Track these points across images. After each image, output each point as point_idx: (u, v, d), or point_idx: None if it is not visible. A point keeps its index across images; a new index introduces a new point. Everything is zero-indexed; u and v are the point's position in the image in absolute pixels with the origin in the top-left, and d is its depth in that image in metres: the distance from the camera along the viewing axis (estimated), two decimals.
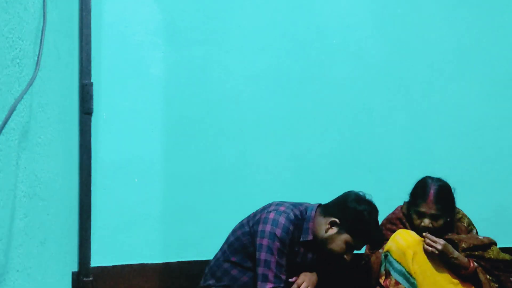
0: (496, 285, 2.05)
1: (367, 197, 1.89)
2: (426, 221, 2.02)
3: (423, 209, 2.03)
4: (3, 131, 0.97)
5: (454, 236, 2.07)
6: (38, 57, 1.25)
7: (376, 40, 2.52)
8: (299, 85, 2.42)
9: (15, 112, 1.08)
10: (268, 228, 1.79)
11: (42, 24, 1.32)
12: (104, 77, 2.18)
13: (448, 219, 2.09)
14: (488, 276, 2.04)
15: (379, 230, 1.91)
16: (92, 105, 2.15)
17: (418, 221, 2.04)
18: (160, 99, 2.25)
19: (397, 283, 1.94)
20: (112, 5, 2.19)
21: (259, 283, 1.78)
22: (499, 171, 2.65)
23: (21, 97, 1.07)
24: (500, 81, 2.67)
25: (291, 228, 1.80)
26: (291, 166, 2.42)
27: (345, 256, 1.82)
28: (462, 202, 2.54)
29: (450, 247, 1.97)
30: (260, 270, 1.78)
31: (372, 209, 1.85)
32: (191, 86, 2.29)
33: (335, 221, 1.81)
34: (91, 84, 2.15)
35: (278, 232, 1.78)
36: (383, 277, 1.98)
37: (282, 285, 1.78)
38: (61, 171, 1.76)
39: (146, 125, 2.23)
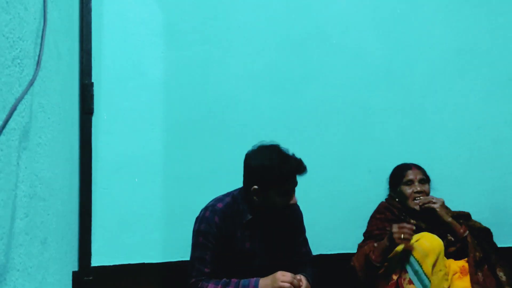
0: (481, 255, 2.11)
1: (263, 143, 1.84)
2: (418, 186, 2.22)
3: (411, 176, 2.24)
4: (4, 131, 0.98)
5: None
6: (38, 57, 1.25)
7: (376, 40, 2.52)
8: (299, 85, 2.42)
9: (15, 112, 1.08)
10: (195, 227, 1.85)
11: (42, 24, 1.33)
12: (105, 77, 2.18)
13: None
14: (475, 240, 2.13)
15: (289, 160, 1.77)
16: (93, 105, 2.16)
17: (409, 191, 2.22)
18: (160, 99, 2.25)
19: (410, 282, 1.94)
20: (113, 5, 2.19)
21: (187, 280, 1.83)
22: (499, 171, 2.65)
23: (21, 97, 1.07)
24: (500, 81, 2.67)
25: (216, 219, 1.81)
26: None
27: (290, 203, 1.79)
28: (462, 202, 2.55)
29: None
30: (188, 268, 1.83)
31: (270, 152, 1.78)
32: (191, 86, 2.29)
33: (255, 189, 1.79)
34: (92, 84, 2.15)
35: (202, 227, 1.81)
36: (397, 275, 1.98)
37: (203, 277, 1.78)
38: (62, 171, 1.76)
39: (146, 125, 2.24)
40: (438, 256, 1.94)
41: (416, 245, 1.95)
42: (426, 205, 2.15)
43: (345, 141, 2.47)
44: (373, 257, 2.03)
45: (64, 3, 1.86)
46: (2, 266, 1.02)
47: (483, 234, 2.23)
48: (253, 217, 1.85)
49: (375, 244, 2.09)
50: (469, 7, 2.64)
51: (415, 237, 1.98)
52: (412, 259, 1.95)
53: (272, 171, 1.74)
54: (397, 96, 2.54)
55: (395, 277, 1.97)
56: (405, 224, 2.01)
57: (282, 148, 1.82)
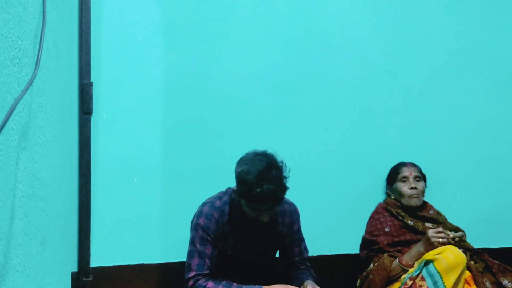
0: (484, 264, 2.15)
1: (257, 151, 1.78)
2: (413, 183, 2.27)
3: (406, 173, 2.30)
4: (3, 131, 0.97)
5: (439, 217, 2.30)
6: (37, 57, 1.25)
7: (376, 40, 2.52)
8: (299, 85, 2.42)
9: (14, 112, 1.08)
10: (193, 221, 1.86)
11: (41, 23, 1.32)
12: (104, 77, 2.18)
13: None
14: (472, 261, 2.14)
15: (263, 184, 1.65)
16: (92, 104, 2.15)
17: (405, 188, 2.27)
18: (160, 99, 2.25)
19: None
20: (112, 4, 2.19)
21: (185, 274, 1.81)
22: (499, 171, 2.65)
23: (20, 97, 1.07)
24: (500, 81, 2.67)
25: (215, 214, 1.83)
26: (290, 166, 2.40)
27: (260, 219, 1.77)
28: (462, 202, 2.55)
29: None
30: (186, 261, 1.82)
31: (251, 165, 1.69)
32: (191, 86, 2.29)
33: (234, 190, 1.84)
34: (91, 84, 2.15)
35: (201, 220, 1.82)
36: (411, 280, 1.94)
37: (205, 272, 1.78)
38: (61, 171, 1.76)
39: (146, 125, 2.23)
40: (461, 271, 1.87)
41: (440, 257, 1.88)
42: (443, 238, 2.05)
43: (345, 141, 2.47)
44: (403, 262, 2.07)
45: (63, 3, 1.86)
46: (1, 266, 1.01)
47: (478, 252, 2.24)
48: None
49: (392, 257, 2.10)
50: (469, 7, 2.64)
51: (438, 249, 1.95)
52: (433, 270, 1.88)
53: (244, 187, 1.70)
54: (398, 96, 2.54)
55: (409, 282, 1.93)
56: (440, 229, 2.06)
57: (270, 163, 1.71)
